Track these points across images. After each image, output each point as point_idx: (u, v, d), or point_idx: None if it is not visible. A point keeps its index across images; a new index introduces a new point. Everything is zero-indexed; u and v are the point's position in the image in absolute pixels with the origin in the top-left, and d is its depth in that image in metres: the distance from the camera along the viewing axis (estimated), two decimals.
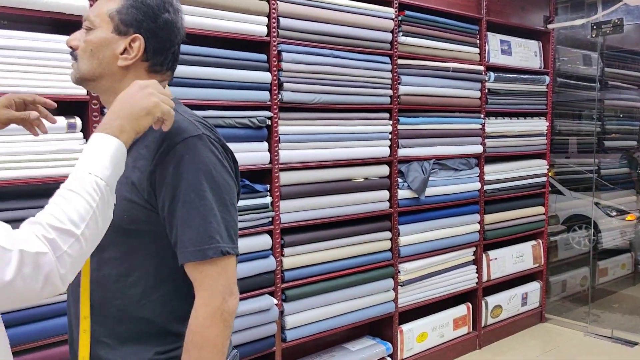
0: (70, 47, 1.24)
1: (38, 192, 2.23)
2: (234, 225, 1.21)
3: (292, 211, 2.89)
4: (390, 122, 3.30)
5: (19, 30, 2.09)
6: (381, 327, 3.48)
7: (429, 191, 3.50)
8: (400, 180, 3.39)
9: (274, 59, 2.77)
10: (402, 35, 3.32)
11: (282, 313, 2.88)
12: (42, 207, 0.98)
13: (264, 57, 2.75)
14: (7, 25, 2.10)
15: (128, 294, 1.21)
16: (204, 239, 1.14)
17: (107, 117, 1.08)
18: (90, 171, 1.01)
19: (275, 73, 2.78)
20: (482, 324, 4.04)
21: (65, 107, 2.25)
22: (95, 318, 1.23)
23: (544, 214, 4.45)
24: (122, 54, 1.22)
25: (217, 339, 1.14)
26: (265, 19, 2.73)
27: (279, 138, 2.81)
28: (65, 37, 2.13)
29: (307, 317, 2.98)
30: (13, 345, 2.02)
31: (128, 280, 1.21)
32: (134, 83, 1.14)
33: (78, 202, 0.97)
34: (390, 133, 3.30)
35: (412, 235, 3.47)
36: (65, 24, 2.22)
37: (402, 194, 3.39)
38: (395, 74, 3.30)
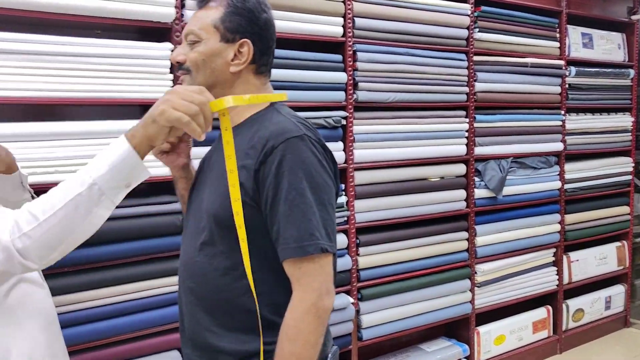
0: (178, 62, 1.30)
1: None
2: (332, 225, 1.24)
3: (367, 211, 2.89)
4: (467, 119, 3.24)
5: (111, 39, 2.20)
6: (457, 329, 3.42)
7: (507, 190, 3.41)
8: (477, 179, 3.32)
9: (349, 59, 2.78)
10: (478, 32, 3.26)
11: (358, 312, 2.89)
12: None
13: (339, 57, 2.77)
14: (100, 34, 2.22)
15: (235, 287, 1.26)
16: (305, 236, 1.17)
17: (134, 126, 1.17)
18: (85, 169, 1.12)
19: (351, 73, 2.79)
20: (563, 328, 3.90)
21: None
22: (203, 309, 1.29)
23: (628, 214, 4.23)
24: (232, 60, 1.28)
25: (310, 335, 1.17)
26: (341, 20, 2.75)
27: (354, 138, 2.82)
28: (151, 44, 2.25)
29: (382, 316, 2.97)
30: (129, 332, 2.20)
31: (235, 274, 1.26)
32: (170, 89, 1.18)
33: (55, 194, 1.12)
34: (466, 131, 3.24)
35: (489, 235, 3.39)
36: (151, 31, 2.32)
37: (479, 193, 3.32)
38: (471, 70, 3.23)
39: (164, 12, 2.24)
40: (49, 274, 2.04)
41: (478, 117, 3.29)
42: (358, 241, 2.86)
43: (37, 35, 2.04)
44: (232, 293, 1.27)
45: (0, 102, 1.99)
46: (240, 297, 1.26)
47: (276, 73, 2.52)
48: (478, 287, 3.36)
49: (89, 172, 1.11)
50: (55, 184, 2.01)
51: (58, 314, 2.04)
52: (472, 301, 3.33)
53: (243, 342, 1.27)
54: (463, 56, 3.20)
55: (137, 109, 2.47)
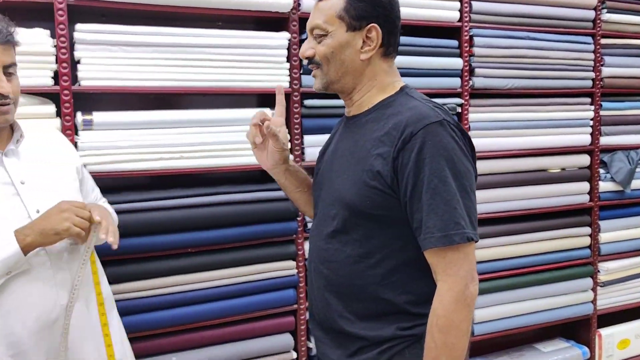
0: (307, 57, 1.31)
1: (244, 178, 2.43)
2: (474, 212, 1.21)
3: (482, 202, 2.78)
4: (592, 107, 3.02)
5: (231, 30, 2.27)
6: (576, 330, 3.22)
7: (636, 184, 3.14)
8: (602, 171, 3.09)
9: (466, 44, 2.68)
10: (607, 12, 3.02)
11: None
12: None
13: (455, 43, 2.69)
14: (221, 25, 2.30)
15: (369, 275, 1.26)
16: (450, 225, 1.15)
17: (26, 226, 1.34)
18: None
19: (467, 59, 2.69)
20: None
21: (268, 99, 2.41)
22: (335, 295, 1.30)
23: None
24: (362, 48, 1.27)
25: (462, 324, 1.16)
26: (458, 4, 2.66)
27: (469, 126, 2.73)
28: (270, 34, 2.29)
29: (495, 312, 2.86)
30: (245, 314, 2.28)
31: (369, 261, 1.26)
32: (58, 204, 1.35)
33: None
34: (591, 119, 3.03)
35: (614, 232, 3.15)
36: (268, 21, 2.37)
37: (604, 186, 3.09)
38: (598, 54, 3.01)
39: (282, 2, 2.27)
40: (173, 254, 2.16)
41: (605, 104, 3.06)
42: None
43: (163, 28, 2.15)
44: (365, 280, 1.26)
45: (130, 92, 2.12)
46: (374, 284, 1.26)
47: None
48: (601, 286, 3.14)
49: None
50: (181, 169, 2.17)
51: (187, 291, 2.18)
52: (593, 301, 3.12)
53: (376, 329, 1.27)
54: (589, 39, 2.99)
55: (254, 98, 2.54)
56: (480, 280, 2.74)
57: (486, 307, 2.83)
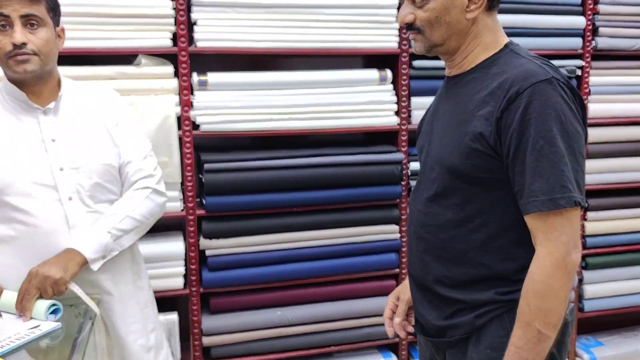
0: (406, 24, 1.25)
1: (348, 140, 2.44)
2: (582, 176, 1.13)
3: (599, 172, 2.61)
4: None
5: None
6: None
7: None
8: None
9: (590, 1, 2.48)
10: None
11: (580, 281, 2.66)
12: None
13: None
14: None
15: (469, 239, 1.23)
16: (556, 188, 1.09)
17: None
18: None
19: (590, 17, 2.50)
20: None
21: (377, 60, 2.38)
22: (434, 258, 1.29)
23: None
24: (468, 7, 1.20)
25: (560, 291, 1.11)
26: None
27: (590, 90, 2.55)
28: None
29: (608, 288, 2.70)
30: (349, 273, 2.32)
31: (470, 226, 1.22)
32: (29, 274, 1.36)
33: None
34: None
35: None
36: None
37: None
38: None
39: None
40: (279, 212, 2.21)
41: None
42: (587, 204, 2.61)
43: None
44: (465, 245, 1.23)
45: (243, 53, 2.17)
46: (474, 249, 1.23)
47: (506, 19, 2.37)
48: None
49: None
50: (289, 130, 2.21)
51: (291, 249, 2.26)
52: None
53: (474, 292, 1.24)
54: None
55: (360, 59, 2.52)
56: (592, 255, 2.64)
57: (598, 283, 2.69)
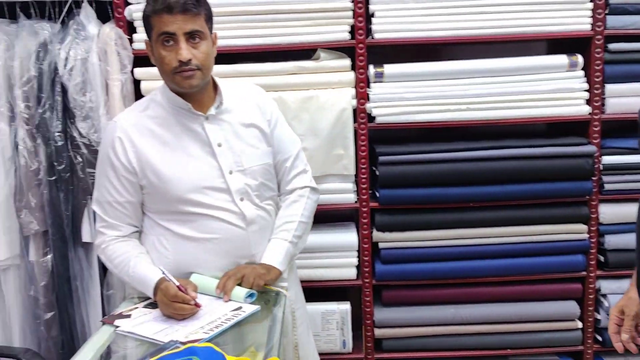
0: None
1: (530, 131, 2.28)
2: None
3: None
4: None
5: None
6: None
7: None
8: None
9: None
10: None
11: None
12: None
13: None
14: None
15: None
16: None
17: (158, 290, 1.41)
18: None
19: None
20: None
21: (564, 44, 2.19)
22: None
23: None
24: None
25: None
26: None
27: None
28: None
29: None
30: (529, 274, 2.18)
31: None
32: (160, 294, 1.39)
33: None
34: None
35: None
36: None
37: None
38: None
39: None
40: (455, 207, 2.14)
41: None
42: None
43: None
44: None
45: (420, 42, 2.11)
46: None
47: None
48: None
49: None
50: (466, 121, 2.12)
51: (467, 245, 2.18)
52: None
53: None
54: None
55: (543, 44, 2.34)
56: None
57: None
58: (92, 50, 1.97)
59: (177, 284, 1.36)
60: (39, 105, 1.96)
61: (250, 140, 1.55)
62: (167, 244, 1.52)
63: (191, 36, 1.40)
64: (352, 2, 2.06)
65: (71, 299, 2.06)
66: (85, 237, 2.02)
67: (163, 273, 1.40)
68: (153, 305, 1.45)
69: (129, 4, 2.05)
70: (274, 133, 1.61)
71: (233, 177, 1.51)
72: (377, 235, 2.19)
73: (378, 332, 2.25)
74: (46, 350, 2.06)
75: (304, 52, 2.14)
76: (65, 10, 2.07)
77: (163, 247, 1.52)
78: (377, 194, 2.17)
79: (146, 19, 1.43)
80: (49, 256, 2.03)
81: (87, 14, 2.04)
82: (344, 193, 2.17)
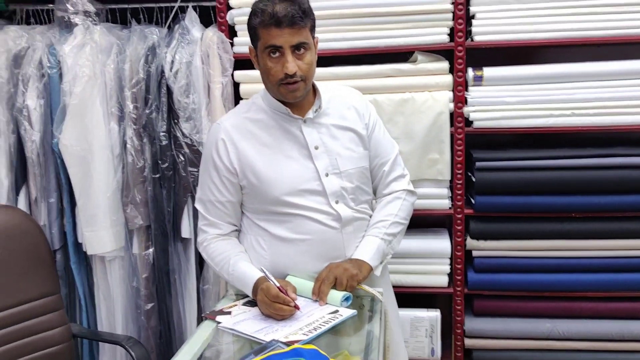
0: None
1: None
2: None
3: None
4: None
5: None
6: None
7: None
8: None
9: None
10: None
11: None
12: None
13: None
14: None
15: None
16: None
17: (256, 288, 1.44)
18: None
19: None
20: None
21: None
22: None
23: None
24: None
25: None
26: None
27: None
28: None
29: None
30: (630, 290, 2.06)
31: None
32: (259, 293, 1.41)
33: None
34: None
35: None
36: None
37: None
38: None
39: None
40: (555, 216, 2.05)
41: None
42: None
43: None
44: None
45: (523, 45, 2.03)
46: None
47: None
48: None
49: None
50: (571, 127, 2.02)
51: (567, 257, 2.09)
52: None
53: None
54: None
55: None
56: None
57: None
58: (196, 53, 2.05)
59: (278, 284, 1.38)
60: (146, 106, 2.06)
61: (346, 143, 1.55)
62: (264, 244, 1.55)
63: (297, 48, 1.41)
64: (452, 3, 2.01)
65: (170, 292, 2.15)
66: (185, 232, 2.10)
67: (264, 273, 1.43)
68: (251, 303, 1.48)
69: (231, 8, 2.11)
70: (371, 136, 1.61)
71: (329, 179, 1.51)
72: (470, 242, 2.14)
73: (468, 342, 2.19)
74: (145, 339, 2.16)
75: (400, 55, 2.12)
76: (171, 15, 2.17)
77: (260, 247, 1.55)
78: (473, 201, 2.11)
79: (253, 29, 1.44)
80: (151, 250, 2.14)
81: (191, 18, 2.12)
82: (438, 198, 2.13)
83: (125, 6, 2.19)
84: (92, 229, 2.09)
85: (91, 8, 2.09)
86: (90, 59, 2.03)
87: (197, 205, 1.62)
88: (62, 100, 2.05)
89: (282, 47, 1.40)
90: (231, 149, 1.52)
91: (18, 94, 2.07)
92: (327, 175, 1.51)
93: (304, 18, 1.40)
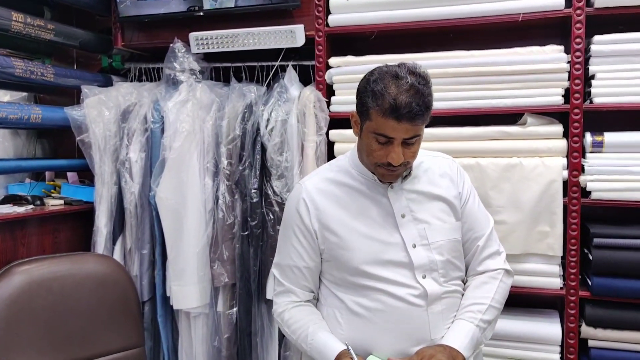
0: None
1: None
2: None
3: None
4: None
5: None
6: None
7: None
8: None
9: None
10: None
11: None
12: None
13: None
14: (623, 29, 1.83)
15: None
16: None
17: None
18: None
19: None
20: None
21: None
22: None
23: None
24: None
25: None
26: None
27: None
28: None
29: None
30: None
31: None
32: None
33: None
34: None
35: None
36: None
37: None
38: None
39: None
40: None
41: None
42: None
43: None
44: None
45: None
46: None
47: None
48: None
49: None
50: None
51: None
52: None
53: None
54: None
55: None
56: None
57: None
58: (292, 112, 2.03)
59: None
60: (240, 162, 2.05)
61: (437, 213, 1.41)
62: (341, 318, 1.41)
63: (409, 138, 1.30)
64: (568, 62, 1.84)
65: (250, 355, 2.07)
66: (269, 294, 2.03)
67: (348, 349, 1.30)
68: None
69: (330, 67, 2.08)
70: (465, 208, 1.45)
71: (416, 251, 1.37)
72: (586, 330, 1.87)
73: None
74: None
75: (508, 117, 1.96)
76: (271, 73, 2.18)
77: (337, 321, 1.42)
78: (589, 282, 1.86)
79: (365, 106, 1.32)
80: (235, 309, 2.08)
81: (290, 77, 2.12)
82: (547, 276, 1.90)
83: (229, 64, 2.24)
84: (180, 283, 2.08)
85: (196, 66, 2.16)
86: (191, 114, 2.07)
87: (273, 270, 1.53)
88: (162, 154, 2.09)
89: (394, 138, 1.29)
90: (312, 210, 1.42)
91: (123, 146, 2.15)
92: (414, 246, 1.38)
93: (425, 113, 1.28)
